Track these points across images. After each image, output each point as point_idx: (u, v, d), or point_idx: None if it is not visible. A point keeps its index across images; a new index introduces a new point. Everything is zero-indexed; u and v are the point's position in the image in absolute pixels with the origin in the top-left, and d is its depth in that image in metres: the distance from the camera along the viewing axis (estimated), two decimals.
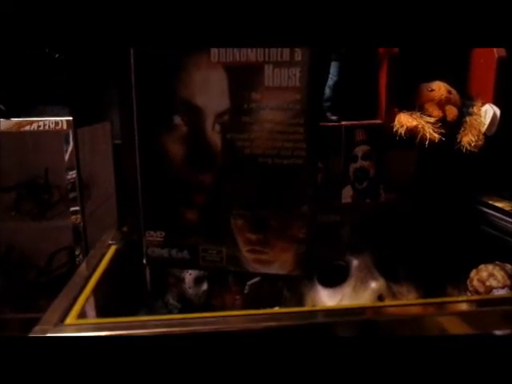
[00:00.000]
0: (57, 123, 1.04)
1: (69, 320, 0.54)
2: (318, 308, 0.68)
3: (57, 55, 1.00)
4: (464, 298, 0.69)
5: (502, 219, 0.85)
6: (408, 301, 0.68)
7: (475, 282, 0.72)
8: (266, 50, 0.55)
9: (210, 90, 0.57)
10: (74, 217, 1.12)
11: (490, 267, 0.72)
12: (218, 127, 0.59)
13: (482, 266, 0.73)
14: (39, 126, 1.03)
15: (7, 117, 1.01)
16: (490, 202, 0.90)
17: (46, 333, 0.50)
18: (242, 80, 0.56)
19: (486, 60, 0.85)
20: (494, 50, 0.83)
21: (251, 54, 0.55)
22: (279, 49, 0.55)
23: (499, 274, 0.70)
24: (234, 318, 0.54)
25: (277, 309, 0.65)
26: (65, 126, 1.05)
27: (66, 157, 1.09)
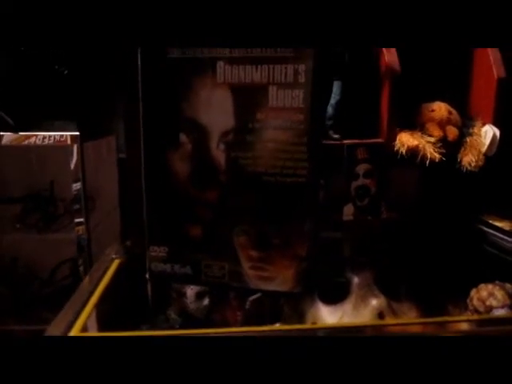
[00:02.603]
0: (61, 137, 1.06)
1: (72, 333, 0.55)
2: (318, 326, 0.68)
3: (65, 72, 1.02)
4: (463, 317, 0.70)
5: (502, 238, 0.85)
6: (408, 320, 0.68)
7: (475, 301, 0.72)
8: (271, 71, 0.57)
9: (215, 109, 0.59)
10: (78, 228, 1.13)
11: (490, 286, 0.72)
12: (222, 146, 0.60)
13: (482, 285, 0.73)
14: (44, 138, 1.05)
15: (16, 131, 1.03)
16: (490, 221, 0.91)
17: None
18: (247, 100, 0.58)
19: (485, 81, 0.87)
20: (494, 70, 0.84)
21: (256, 76, 0.57)
22: (283, 70, 0.56)
23: (499, 293, 0.70)
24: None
25: (278, 326, 0.66)
26: (69, 141, 1.06)
27: (71, 170, 1.10)
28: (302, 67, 0.55)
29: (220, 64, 0.58)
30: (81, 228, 1.13)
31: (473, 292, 0.74)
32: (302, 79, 0.56)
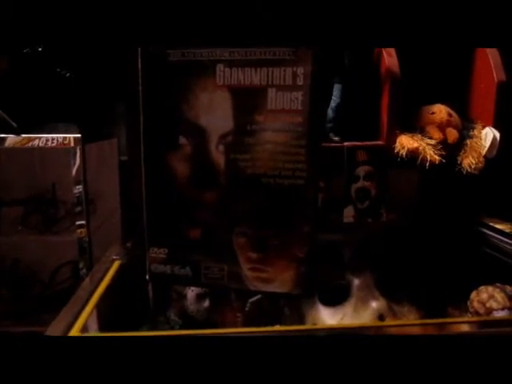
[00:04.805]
0: (64, 139, 1.06)
1: (72, 334, 0.55)
2: (318, 327, 0.68)
3: (68, 74, 1.03)
4: (464, 319, 0.70)
5: (503, 241, 0.85)
6: (409, 321, 0.68)
7: (475, 304, 0.72)
8: (270, 73, 0.57)
9: (214, 111, 0.59)
10: (79, 230, 1.13)
11: (490, 289, 0.72)
12: (221, 148, 0.60)
13: (482, 288, 0.73)
14: (47, 141, 1.06)
15: (18, 133, 1.04)
16: (491, 224, 0.91)
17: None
18: (246, 102, 0.58)
19: (486, 84, 0.87)
20: (494, 74, 0.84)
21: (255, 78, 0.57)
22: (282, 73, 0.57)
23: (499, 295, 0.71)
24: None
25: (277, 327, 0.66)
26: (72, 143, 1.07)
27: (73, 172, 1.11)
28: (300, 70, 0.56)
29: (220, 67, 0.58)
30: (82, 230, 1.14)
31: (473, 294, 0.74)
32: (300, 82, 0.56)
